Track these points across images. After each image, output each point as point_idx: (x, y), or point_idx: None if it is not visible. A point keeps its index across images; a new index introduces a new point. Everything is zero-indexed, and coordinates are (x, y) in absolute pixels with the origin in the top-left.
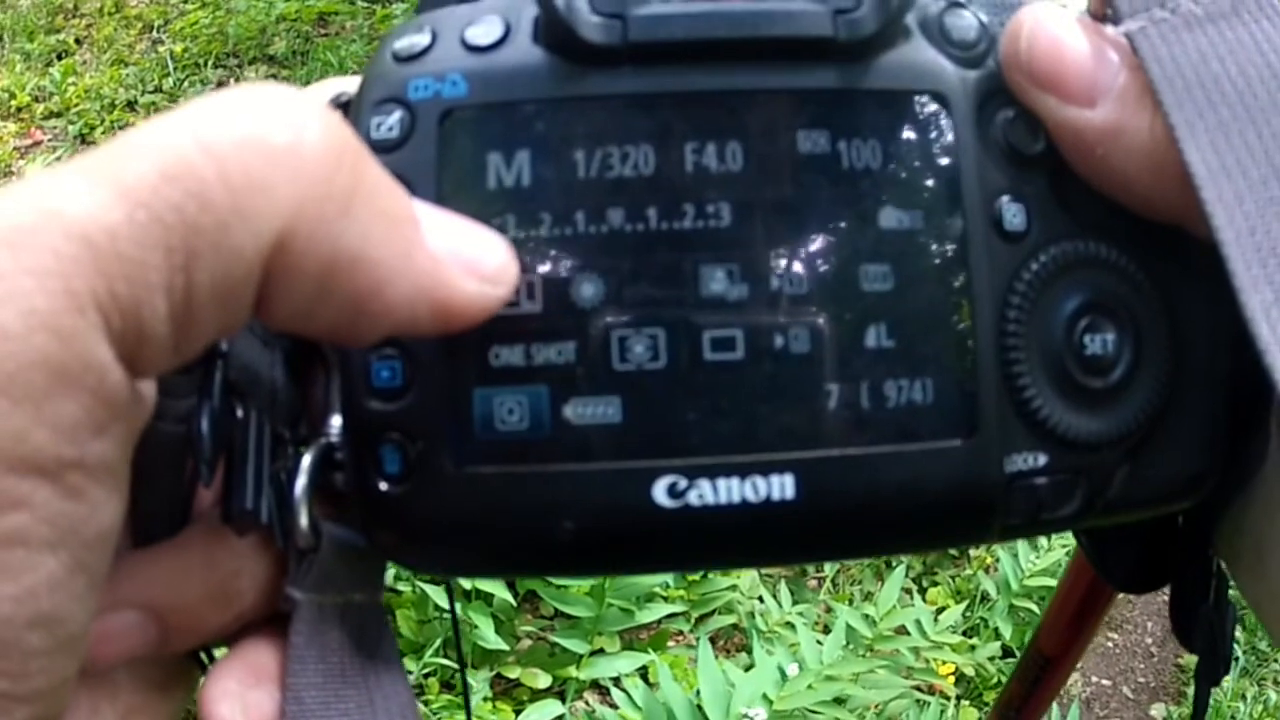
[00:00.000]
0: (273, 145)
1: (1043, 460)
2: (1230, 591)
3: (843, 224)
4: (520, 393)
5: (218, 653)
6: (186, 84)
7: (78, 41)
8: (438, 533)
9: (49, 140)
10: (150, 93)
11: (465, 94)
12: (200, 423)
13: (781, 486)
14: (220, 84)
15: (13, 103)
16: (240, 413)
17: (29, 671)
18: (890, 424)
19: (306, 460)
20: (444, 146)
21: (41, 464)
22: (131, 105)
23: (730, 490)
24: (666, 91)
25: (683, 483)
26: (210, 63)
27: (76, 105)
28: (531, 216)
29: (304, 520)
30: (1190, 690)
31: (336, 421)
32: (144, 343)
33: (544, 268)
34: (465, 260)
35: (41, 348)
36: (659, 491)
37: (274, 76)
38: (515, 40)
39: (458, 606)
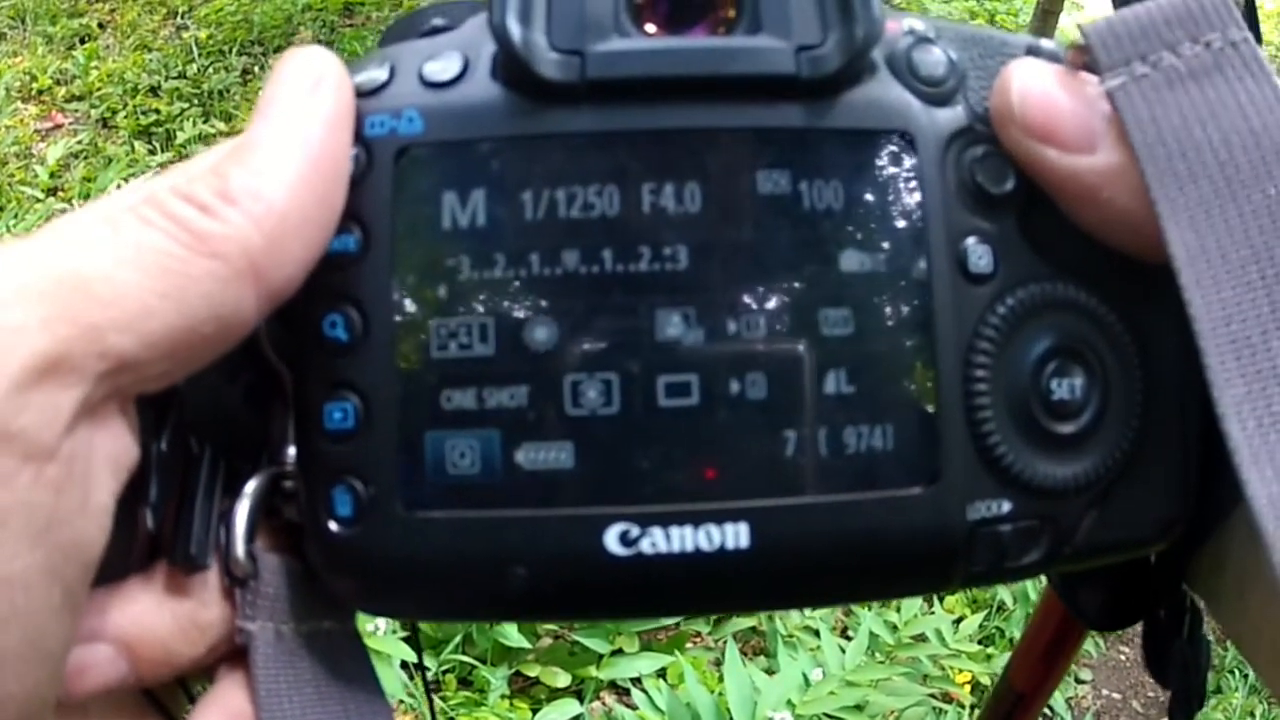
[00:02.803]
0: None
1: (1006, 507)
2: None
3: (803, 267)
4: (472, 436)
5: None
6: (211, 70)
7: (101, 26)
8: (388, 577)
9: (70, 124)
10: (174, 78)
11: (421, 131)
12: (149, 471)
13: (736, 535)
14: (245, 72)
15: (34, 85)
16: (196, 449)
17: (3, 675)
18: (849, 472)
19: (250, 486)
20: (399, 185)
21: (26, 447)
22: (155, 90)
23: (683, 539)
24: (625, 130)
25: (635, 530)
26: (235, 50)
27: (99, 89)
28: (486, 258)
29: (239, 548)
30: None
31: (293, 452)
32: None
33: (497, 310)
34: None
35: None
36: (611, 539)
37: None
38: (473, 76)
39: None
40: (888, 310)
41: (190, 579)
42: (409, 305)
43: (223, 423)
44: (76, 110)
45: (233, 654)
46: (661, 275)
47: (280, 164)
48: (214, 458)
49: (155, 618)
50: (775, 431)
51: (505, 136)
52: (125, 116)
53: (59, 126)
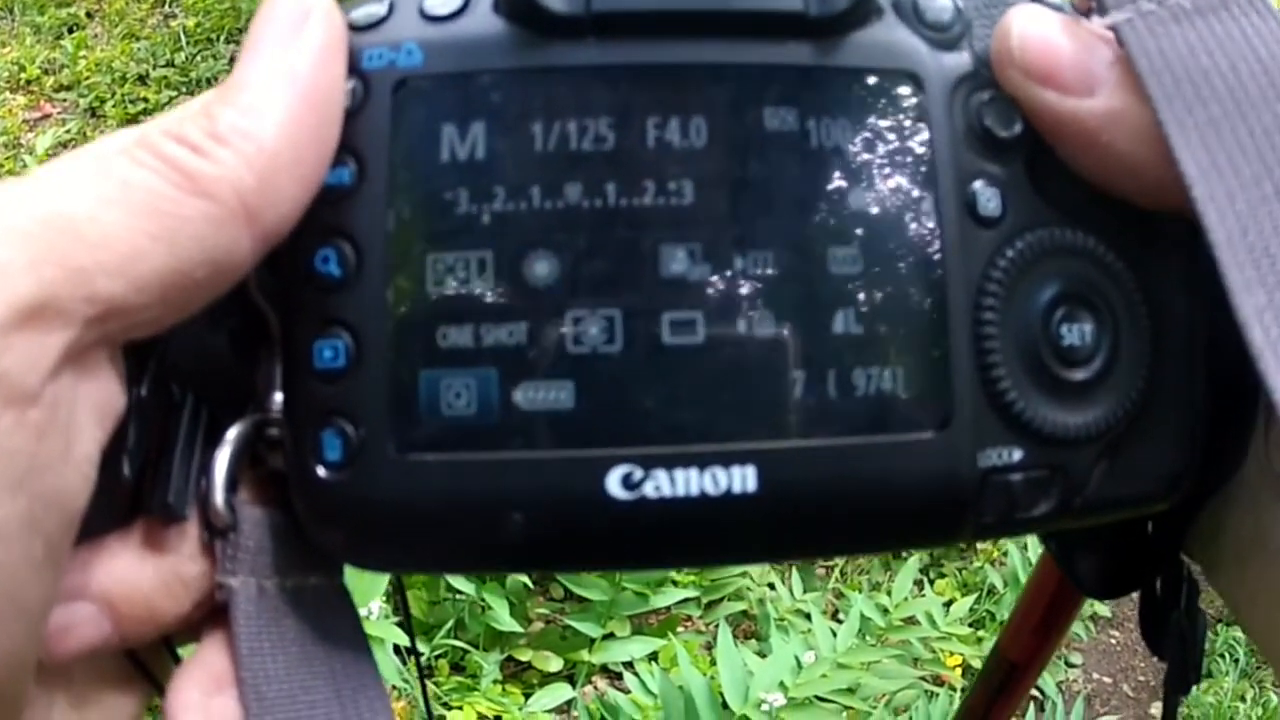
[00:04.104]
0: None
1: (1018, 455)
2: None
3: (810, 204)
4: (468, 375)
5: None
6: (199, 59)
7: (89, 15)
8: (379, 525)
9: (58, 113)
10: (162, 67)
11: (420, 63)
12: (127, 417)
13: (742, 479)
14: (233, 60)
15: (22, 75)
16: (178, 396)
17: None
18: (858, 414)
19: (231, 433)
20: (397, 117)
21: (7, 390)
22: (143, 79)
23: (688, 482)
24: (629, 64)
25: (638, 473)
26: (223, 38)
27: (87, 78)
28: (484, 190)
29: (219, 497)
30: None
31: (279, 399)
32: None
33: (496, 244)
34: None
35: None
36: (612, 482)
37: None
38: (475, 9)
39: (471, 587)
40: (896, 250)
41: (171, 532)
42: (404, 239)
43: (206, 369)
44: (65, 100)
45: (218, 612)
46: (666, 210)
47: (270, 102)
48: (196, 405)
49: (137, 573)
50: (782, 371)
51: (507, 69)
52: (114, 105)
53: (47, 116)
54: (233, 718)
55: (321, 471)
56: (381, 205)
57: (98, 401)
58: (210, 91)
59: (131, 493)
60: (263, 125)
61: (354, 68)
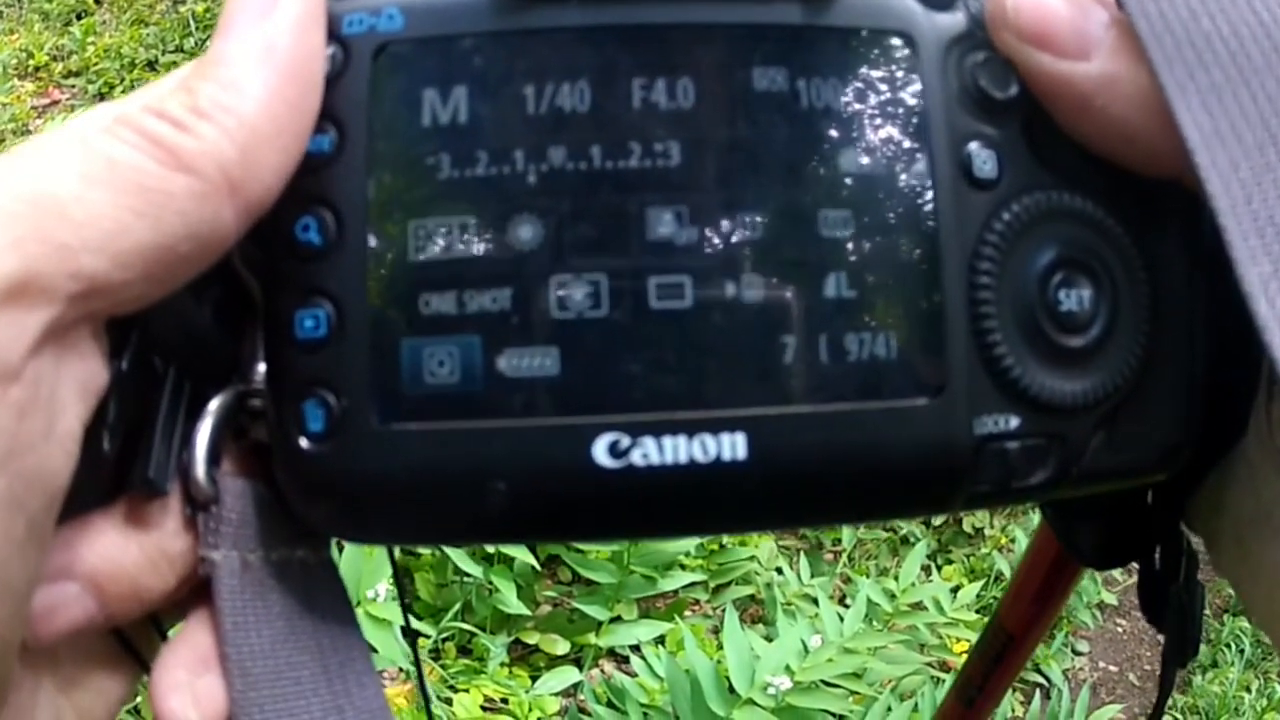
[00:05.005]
0: None
1: (1014, 423)
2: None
3: (800, 166)
4: (451, 343)
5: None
6: (208, 44)
7: (97, 1)
8: (362, 496)
9: (67, 100)
10: (171, 52)
11: (401, 28)
12: (109, 392)
13: (732, 446)
14: None
15: (31, 62)
16: (160, 369)
17: None
18: (850, 380)
19: (213, 405)
20: (377, 83)
21: None
22: (152, 65)
23: (676, 449)
24: (613, 24)
25: (625, 441)
26: None
27: (96, 65)
28: (467, 155)
29: (200, 470)
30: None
31: (262, 369)
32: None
33: (479, 209)
34: None
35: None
36: (599, 450)
37: None
38: None
39: (479, 570)
40: (889, 213)
41: (154, 507)
42: (385, 206)
43: (189, 342)
44: (73, 86)
45: (204, 589)
46: (652, 172)
47: (249, 74)
48: (178, 378)
49: (121, 551)
50: (773, 336)
51: (489, 32)
52: (122, 91)
53: (56, 103)
54: (220, 698)
55: (304, 443)
56: (362, 172)
57: (80, 378)
58: (188, 65)
59: (114, 469)
60: (243, 98)
61: (334, 33)
